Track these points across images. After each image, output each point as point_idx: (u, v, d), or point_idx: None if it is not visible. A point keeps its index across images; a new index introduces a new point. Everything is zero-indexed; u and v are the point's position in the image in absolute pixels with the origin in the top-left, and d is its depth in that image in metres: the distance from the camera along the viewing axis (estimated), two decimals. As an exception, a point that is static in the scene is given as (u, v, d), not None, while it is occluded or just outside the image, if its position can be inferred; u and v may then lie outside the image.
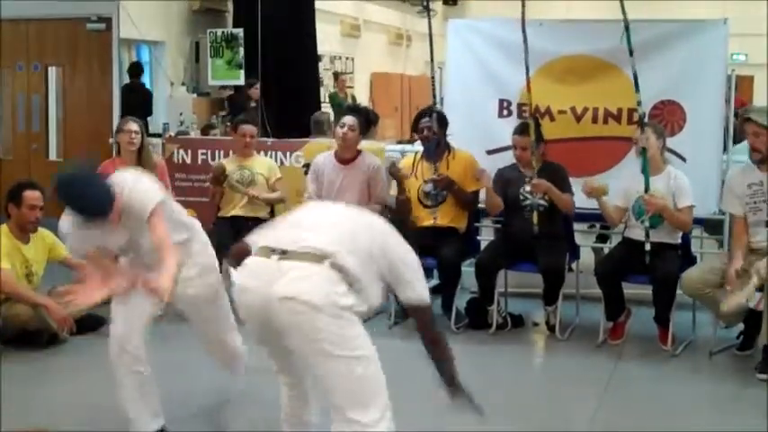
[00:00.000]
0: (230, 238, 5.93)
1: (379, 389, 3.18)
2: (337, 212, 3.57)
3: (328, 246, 3.17)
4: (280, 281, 3.10)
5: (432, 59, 6.48)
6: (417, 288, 3.40)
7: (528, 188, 6.00)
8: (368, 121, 6.60)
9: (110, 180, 3.85)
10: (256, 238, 3.37)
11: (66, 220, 3.94)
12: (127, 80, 10.41)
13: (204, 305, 4.24)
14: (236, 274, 3.27)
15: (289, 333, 3.13)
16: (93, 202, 3.74)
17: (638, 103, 5.80)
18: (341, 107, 12.61)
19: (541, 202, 5.97)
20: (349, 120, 6.41)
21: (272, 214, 6.89)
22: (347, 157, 6.42)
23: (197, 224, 4.32)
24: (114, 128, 8.80)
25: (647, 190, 5.67)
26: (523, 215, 6.04)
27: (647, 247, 5.67)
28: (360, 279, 3.19)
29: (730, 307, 5.20)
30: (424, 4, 6.56)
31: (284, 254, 3.17)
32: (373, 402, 3.14)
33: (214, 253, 4.33)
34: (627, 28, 5.73)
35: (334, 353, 3.08)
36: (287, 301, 3.07)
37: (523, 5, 6.02)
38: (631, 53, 5.72)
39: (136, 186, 3.90)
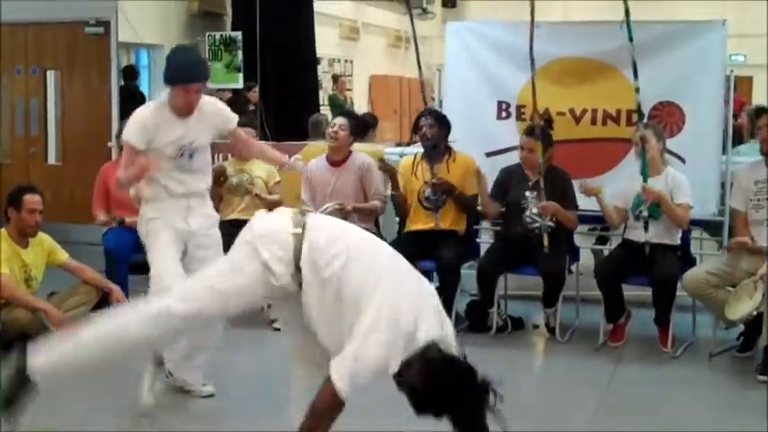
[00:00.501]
0: (227, 241, 5.93)
1: (209, 304, 3.47)
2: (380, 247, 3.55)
3: (312, 224, 3.43)
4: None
5: (418, 64, 6.45)
6: (346, 367, 3.17)
7: (535, 210, 5.93)
8: (364, 124, 6.59)
9: None
10: None
11: (150, 107, 4.55)
12: (122, 83, 10.40)
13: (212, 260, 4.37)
14: None
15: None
16: (201, 65, 4.61)
17: (637, 90, 5.78)
18: (342, 109, 12.60)
19: (550, 223, 5.91)
20: (340, 120, 6.42)
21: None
22: (338, 159, 6.38)
23: None
24: (113, 131, 8.83)
25: (645, 179, 5.67)
26: (523, 217, 6.00)
27: (646, 239, 5.66)
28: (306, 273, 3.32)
29: (741, 316, 5.19)
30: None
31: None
32: (191, 298, 3.47)
33: None
34: (627, 12, 5.72)
35: (220, 263, 3.63)
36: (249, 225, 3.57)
37: (533, 8, 5.99)
38: (631, 39, 5.72)
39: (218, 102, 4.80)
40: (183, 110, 4.47)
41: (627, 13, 5.74)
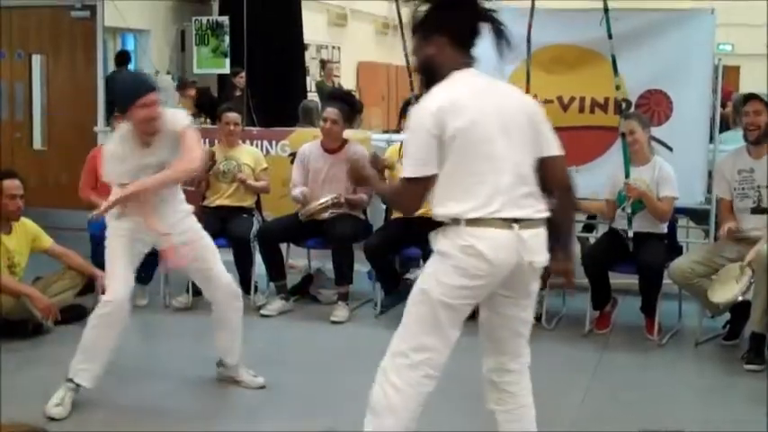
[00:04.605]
0: (216, 227, 5.92)
1: None
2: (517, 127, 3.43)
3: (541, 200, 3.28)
4: (525, 250, 3.28)
5: (405, 51, 6.42)
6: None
7: None
8: (352, 108, 6.56)
9: None
10: (471, 205, 3.34)
11: (113, 142, 4.54)
12: (111, 68, 10.33)
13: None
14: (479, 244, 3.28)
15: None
16: None
17: (617, 88, 5.78)
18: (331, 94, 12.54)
19: None
20: (331, 114, 6.35)
21: (258, 204, 6.86)
22: (333, 146, 6.39)
23: None
24: (99, 116, 8.79)
25: (627, 175, 5.67)
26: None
27: (631, 233, 5.67)
28: None
29: (726, 300, 5.19)
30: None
31: (518, 222, 3.24)
32: None
33: None
34: (606, 11, 5.71)
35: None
36: (532, 266, 3.33)
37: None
38: (610, 36, 5.71)
39: (170, 111, 4.72)
40: None
41: (606, 10, 5.72)
